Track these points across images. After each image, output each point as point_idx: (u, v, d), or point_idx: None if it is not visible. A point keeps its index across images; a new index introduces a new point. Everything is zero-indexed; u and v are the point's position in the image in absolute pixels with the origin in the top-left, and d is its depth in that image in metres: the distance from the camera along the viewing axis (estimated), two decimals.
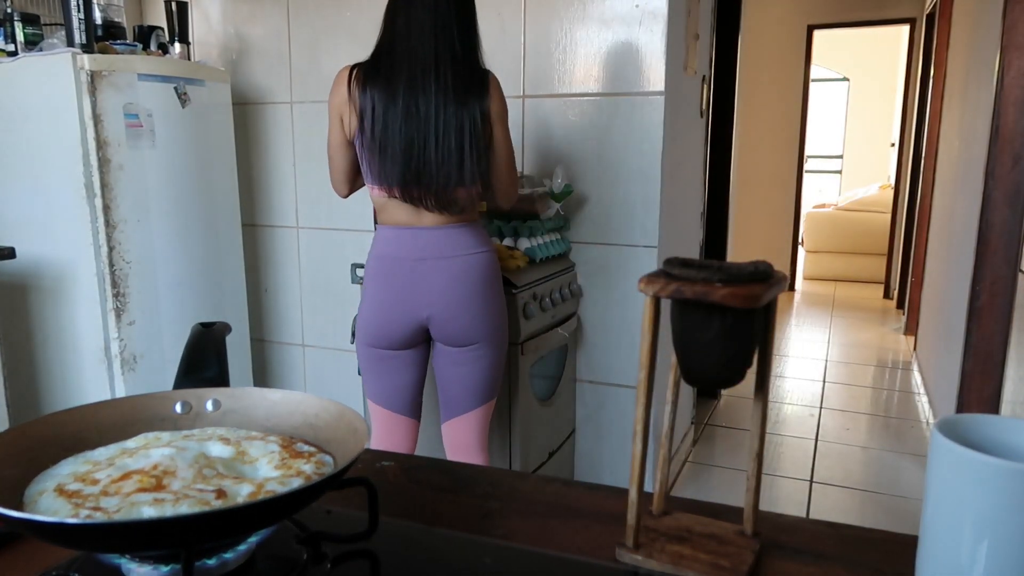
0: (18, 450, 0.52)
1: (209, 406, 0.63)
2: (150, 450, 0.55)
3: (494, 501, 0.68)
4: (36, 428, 0.55)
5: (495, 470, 0.76)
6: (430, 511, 0.66)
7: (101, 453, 0.56)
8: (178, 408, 0.62)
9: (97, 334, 2.11)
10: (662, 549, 0.58)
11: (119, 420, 0.60)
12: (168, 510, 0.46)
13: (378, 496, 0.59)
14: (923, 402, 3.63)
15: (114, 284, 2.09)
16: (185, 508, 0.47)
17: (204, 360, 0.64)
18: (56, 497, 0.48)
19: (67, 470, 0.53)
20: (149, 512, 0.46)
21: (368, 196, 1.70)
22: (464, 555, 0.60)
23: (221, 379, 0.64)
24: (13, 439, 0.53)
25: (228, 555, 0.52)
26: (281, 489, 0.51)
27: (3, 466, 0.50)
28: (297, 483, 0.52)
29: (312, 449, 0.58)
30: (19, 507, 0.48)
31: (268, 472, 0.54)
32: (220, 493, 0.49)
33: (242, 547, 0.53)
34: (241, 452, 0.56)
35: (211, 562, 0.51)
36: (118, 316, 2.11)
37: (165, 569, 0.50)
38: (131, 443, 0.57)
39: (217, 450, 0.56)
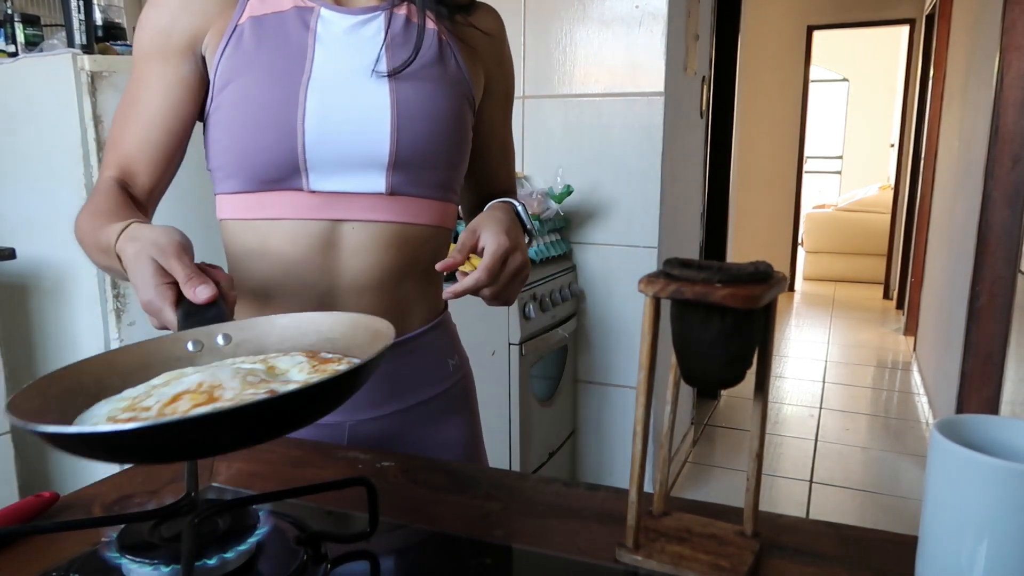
0: (47, 399, 0.51)
1: (220, 340, 0.62)
2: (180, 380, 0.53)
3: (494, 501, 0.68)
4: (58, 380, 0.53)
5: (495, 470, 0.76)
6: (430, 511, 0.66)
7: (130, 393, 0.54)
8: (190, 347, 0.61)
9: (97, 335, 2.11)
10: (662, 549, 0.58)
11: (136, 364, 0.58)
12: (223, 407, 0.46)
13: (378, 496, 0.59)
14: (923, 402, 3.63)
15: (114, 285, 2.09)
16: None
17: (201, 307, 0.63)
18: (112, 425, 0.47)
19: (106, 409, 0.51)
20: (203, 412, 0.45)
21: None
22: (464, 555, 0.60)
23: (222, 317, 0.63)
24: (39, 391, 0.51)
25: (228, 555, 0.52)
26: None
27: (38, 416, 0.49)
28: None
29: (337, 355, 0.58)
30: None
31: (306, 377, 0.53)
32: (272, 394, 0.48)
33: (242, 547, 0.53)
34: (270, 367, 0.55)
35: (211, 562, 0.51)
36: (118, 317, 2.11)
37: (165, 569, 0.50)
38: (157, 380, 0.56)
39: (248, 365, 0.56)
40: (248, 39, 0.79)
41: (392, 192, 0.81)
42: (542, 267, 2.16)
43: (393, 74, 0.79)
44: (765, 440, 0.59)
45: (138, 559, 0.51)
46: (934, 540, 0.47)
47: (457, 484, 0.72)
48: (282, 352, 0.60)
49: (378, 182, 0.80)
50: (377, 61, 0.80)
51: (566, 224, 2.33)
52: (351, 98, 0.79)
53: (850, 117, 8.49)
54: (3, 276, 2.13)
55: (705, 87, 2.81)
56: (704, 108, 2.82)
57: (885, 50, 7.79)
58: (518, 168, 2.39)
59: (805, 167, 6.26)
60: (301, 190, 0.79)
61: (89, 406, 0.53)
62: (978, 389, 2.53)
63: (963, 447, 0.44)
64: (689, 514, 0.63)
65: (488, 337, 1.97)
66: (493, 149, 0.97)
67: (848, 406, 3.67)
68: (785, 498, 2.72)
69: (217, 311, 0.62)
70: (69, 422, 0.51)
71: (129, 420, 0.47)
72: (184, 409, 0.47)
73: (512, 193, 0.99)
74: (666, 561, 0.56)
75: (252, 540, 0.54)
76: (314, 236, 0.80)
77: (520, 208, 0.86)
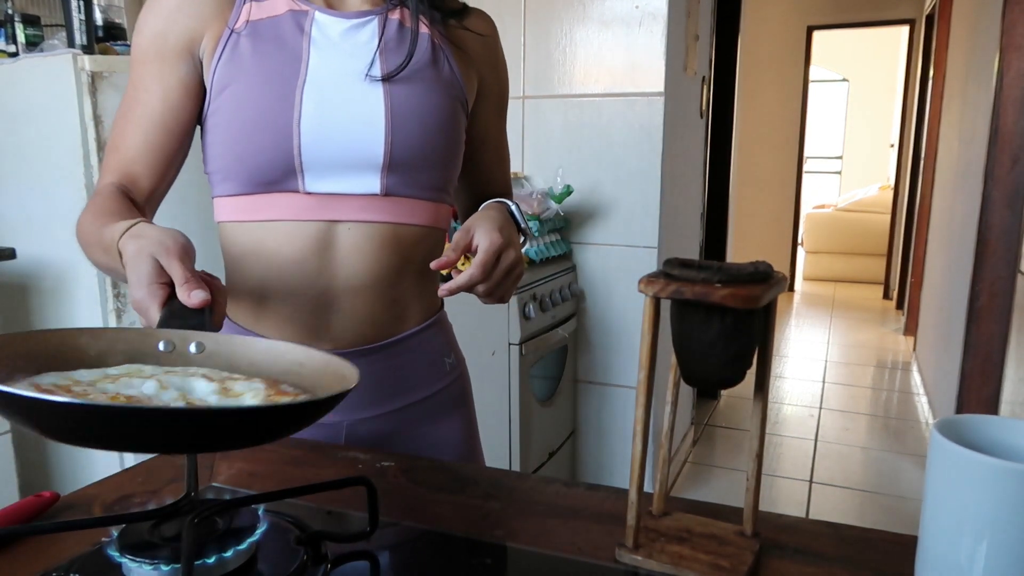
0: (3, 355, 0.51)
1: (193, 348, 0.61)
2: (132, 379, 0.54)
3: (494, 501, 0.68)
4: (14, 342, 0.53)
5: (495, 470, 0.76)
6: (430, 511, 0.66)
7: (83, 374, 0.54)
8: (161, 346, 0.60)
9: None
10: (662, 549, 0.58)
11: (100, 347, 0.58)
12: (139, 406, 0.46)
13: (378, 496, 0.59)
14: (923, 402, 3.63)
15: (114, 285, 2.09)
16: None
17: (188, 310, 0.63)
18: (35, 391, 0.47)
19: (48, 380, 0.51)
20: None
21: None
22: (464, 555, 0.60)
23: (204, 326, 0.63)
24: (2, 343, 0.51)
25: (228, 555, 0.52)
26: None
27: None
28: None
29: (298, 390, 0.57)
30: None
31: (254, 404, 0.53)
32: (191, 404, 0.49)
33: (242, 547, 0.53)
34: (225, 388, 0.55)
35: (211, 562, 0.51)
36: (118, 317, 2.11)
37: (165, 569, 0.50)
38: (113, 370, 0.56)
39: (200, 387, 0.55)
40: (244, 44, 0.79)
41: (387, 193, 0.81)
42: (542, 267, 2.16)
43: (387, 79, 0.80)
44: (765, 440, 0.59)
45: (138, 559, 0.51)
46: (934, 540, 0.47)
47: (457, 484, 0.72)
48: (246, 375, 0.60)
49: (373, 183, 0.81)
50: (371, 65, 0.80)
51: (566, 224, 2.33)
52: (346, 101, 0.79)
53: (850, 117, 8.49)
54: (3, 276, 2.13)
55: (705, 87, 2.81)
56: (704, 108, 2.82)
57: (885, 50, 7.79)
58: (518, 168, 2.39)
59: (805, 167, 6.26)
60: (297, 192, 0.80)
61: (38, 373, 0.53)
62: (978, 389, 2.53)
63: (963, 447, 0.44)
64: (689, 514, 0.63)
65: (488, 337, 1.98)
66: (488, 152, 0.97)
67: (848, 406, 3.67)
68: (785, 498, 2.72)
69: (201, 320, 0.62)
70: (10, 382, 0.50)
71: (54, 390, 0.47)
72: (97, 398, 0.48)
73: (508, 195, 1.00)
74: (666, 561, 0.56)
75: (252, 540, 0.54)
76: (310, 237, 0.81)
77: (514, 208, 0.86)
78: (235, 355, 0.63)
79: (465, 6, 0.92)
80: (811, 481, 2.84)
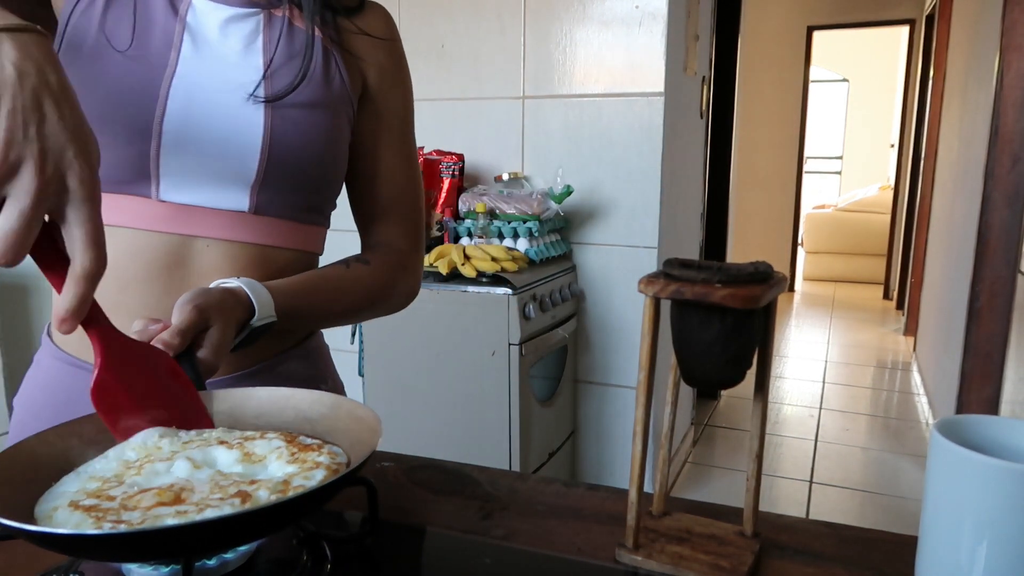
0: (15, 472, 0.51)
1: None
2: (154, 463, 0.54)
3: (494, 501, 0.68)
4: (27, 448, 0.53)
5: (495, 470, 0.76)
6: (430, 511, 0.66)
7: (102, 466, 0.54)
8: None
9: None
10: (662, 550, 0.58)
11: (106, 431, 0.58)
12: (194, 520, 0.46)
13: (378, 496, 0.59)
14: (923, 403, 3.63)
15: None
16: (211, 515, 0.46)
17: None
18: (73, 511, 0.47)
19: (74, 487, 0.51)
20: (172, 524, 0.45)
21: None
22: (464, 555, 0.60)
23: (197, 383, 0.62)
24: (6, 462, 0.51)
25: (228, 555, 0.52)
26: (308, 483, 0.50)
27: (5, 490, 0.49)
28: (321, 475, 0.51)
29: (317, 441, 0.58)
30: (33, 524, 0.47)
31: (285, 468, 0.53)
32: (243, 496, 0.48)
33: (243, 547, 0.53)
34: (247, 453, 0.55)
35: (211, 563, 0.51)
36: None
37: (165, 570, 0.50)
38: (131, 452, 0.56)
39: (223, 457, 0.55)
40: (110, 2, 0.69)
41: (256, 211, 0.72)
42: (542, 267, 2.16)
43: (274, 99, 0.71)
44: (765, 440, 0.59)
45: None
46: (934, 540, 0.47)
47: (457, 484, 0.72)
48: (259, 431, 0.59)
49: (241, 200, 0.71)
50: (257, 86, 0.71)
51: (566, 224, 2.33)
52: (220, 104, 0.69)
53: (850, 117, 8.50)
54: (3, 276, 2.13)
55: (705, 87, 2.81)
56: (704, 108, 2.82)
57: (885, 50, 7.79)
58: (517, 168, 2.39)
59: (805, 167, 6.27)
60: (148, 197, 0.69)
61: (59, 476, 0.53)
62: (978, 389, 2.53)
63: (963, 447, 0.44)
64: (689, 514, 0.63)
65: (488, 337, 1.97)
66: (395, 176, 0.84)
67: (848, 406, 3.67)
68: (785, 498, 2.72)
69: (193, 377, 0.61)
70: (33, 499, 0.50)
71: (91, 508, 0.47)
72: (146, 505, 0.47)
73: (411, 227, 0.86)
74: (666, 561, 0.56)
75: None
76: (159, 251, 0.70)
77: (257, 309, 0.67)
78: (239, 409, 0.63)
79: (362, 2, 0.80)
80: (811, 481, 2.85)
